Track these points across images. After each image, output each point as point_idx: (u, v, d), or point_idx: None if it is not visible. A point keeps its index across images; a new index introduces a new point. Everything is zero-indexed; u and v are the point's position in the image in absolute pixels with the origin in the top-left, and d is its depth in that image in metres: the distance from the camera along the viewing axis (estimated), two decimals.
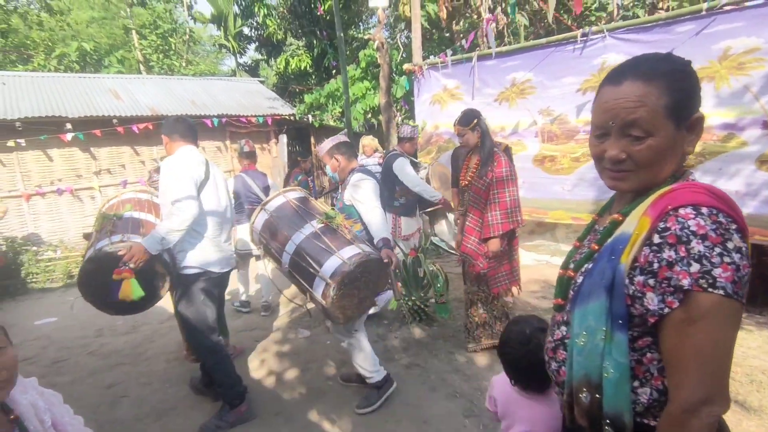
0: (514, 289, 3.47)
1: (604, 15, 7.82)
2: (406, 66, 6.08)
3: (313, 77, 13.13)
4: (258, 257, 4.55)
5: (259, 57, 16.54)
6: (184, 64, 18.23)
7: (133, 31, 17.23)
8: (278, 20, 13.05)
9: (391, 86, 7.99)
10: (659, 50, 1.02)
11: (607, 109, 0.95)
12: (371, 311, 3.99)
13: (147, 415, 3.00)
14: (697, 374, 0.81)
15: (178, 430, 2.83)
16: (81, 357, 4.01)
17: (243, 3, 14.11)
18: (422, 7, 8.19)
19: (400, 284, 2.70)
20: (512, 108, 5.05)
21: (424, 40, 6.64)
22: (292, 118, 10.17)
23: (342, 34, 6.22)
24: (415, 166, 4.53)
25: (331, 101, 9.94)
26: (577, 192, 4.68)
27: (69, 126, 7.51)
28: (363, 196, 2.75)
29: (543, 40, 4.70)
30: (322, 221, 2.61)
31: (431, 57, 6.10)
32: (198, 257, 2.72)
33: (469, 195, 3.22)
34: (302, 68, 12.55)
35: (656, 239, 0.86)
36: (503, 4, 6.49)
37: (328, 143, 2.93)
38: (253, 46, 15.92)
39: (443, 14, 7.49)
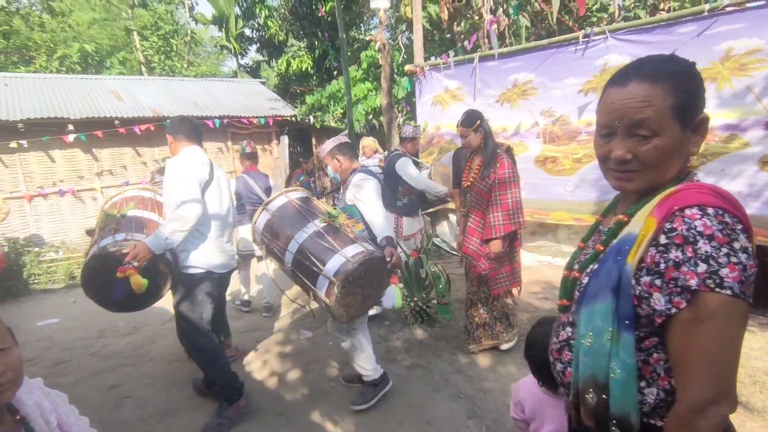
0: (515, 290, 3.46)
1: (605, 16, 7.83)
2: (407, 67, 6.08)
3: (314, 78, 13.15)
4: (260, 258, 4.56)
5: (261, 58, 16.57)
6: (185, 66, 18.26)
7: (135, 33, 17.26)
8: (279, 21, 13.07)
9: (393, 87, 7.99)
10: (661, 51, 1.03)
11: (614, 109, 0.95)
12: (372, 312, 4.00)
13: (150, 416, 3.00)
14: (705, 374, 0.81)
15: (181, 431, 2.83)
16: (83, 358, 4.02)
17: (244, 4, 14.14)
18: (424, 8, 8.20)
19: (397, 279, 2.70)
20: (514, 109, 5.05)
21: (425, 41, 6.65)
22: (293, 119, 10.18)
23: (344, 36, 6.23)
24: (417, 166, 4.54)
25: (332, 102, 9.95)
26: (578, 193, 4.68)
27: (71, 127, 7.54)
28: (365, 195, 2.76)
29: (545, 41, 4.71)
30: (324, 220, 2.62)
31: (433, 58, 6.10)
32: (200, 257, 2.74)
33: (471, 196, 3.22)
34: (303, 69, 12.57)
35: (663, 240, 0.86)
36: (505, 6, 6.50)
37: (329, 144, 2.94)
38: (254, 47, 15.94)
39: (444, 15, 7.51)
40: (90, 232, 3.08)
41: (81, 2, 19.95)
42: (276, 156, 10.09)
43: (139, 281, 2.44)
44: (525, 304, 4.31)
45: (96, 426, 1.47)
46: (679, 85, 0.90)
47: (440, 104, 5.76)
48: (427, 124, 5.97)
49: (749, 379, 2.82)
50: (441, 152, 5.85)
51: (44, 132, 7.33)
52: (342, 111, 9.96)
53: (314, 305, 2.78)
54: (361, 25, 13.28)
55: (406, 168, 4.14)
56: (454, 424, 2.66)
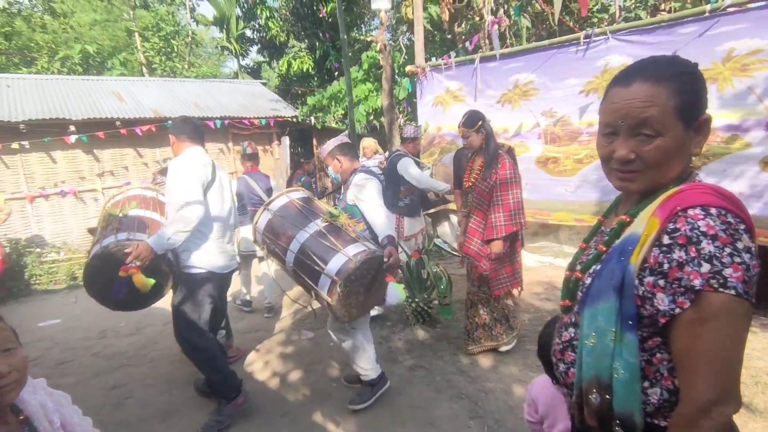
0: (516, 291, 3.46)
1: (606, 17, 7.83)
2: (408, 68, 6.09)
3: (315, 79, 13.16)
4: (261, 259, 4.56)
5: (261, 59, 16.59)
6: (186, 67, 18.29)
7: (136, 34, 17.30)
8: (280, 22, 13.08)
9: (394, 88, 8.01)
10: (662, 52, 1.03)
11: (618, 108, 0.95)
12: (374, 313, 4.00)
13: (152, 416, 3.00)
14: (709, 374, 0.81)
15: None
16: (85, 358, 4.02)
17: (245, 5, 14.15)
18: (425, 9, 8.21)
19: (393, 277, 2.70)
20: (515, 110, 5.05)
21: (426, 42, 6.65)
22: (294, 120, 10.19)
23: (346, 36, 6.24)
24: (419, 166, 4.54)
25: (333, 103, 9.96)
26: (580, 193, 4.68)
27: (72, 128, 7.56)
28: (367, 195, 2.77)
29: (546, 42, 4.71)
30: (326, 220, 2.62)
31: (434, 59, 6.11)
32: (201, 257, 2.75)
33: (473, 196, 3.22)
34: (304, 70, 12.58)
35: (666, 240, 0.86)
36: (506, 6, 6.50)
37: (330, 144, 2.95)
38: (255, 48, 15.96)
39: (445, 16, 7.51)
40: (92, 231, 3.10)
41: (82, 3, 20.02)
42: (277, 157, 10.10)
43: (142, 280, 2.47)
44: (527, 305, 4.31)
45: (98, 426, 1.47)
46: (682, 86, 0.91)
47: (441, 105, 5.77)
48: (428, 124, 5.97)
49: (751, 380, 2.82)
50: (442, 153, 5.85)
51: (46, 133, 7.35)
52: (343, 112, 9.97)
53: (316, 305, 2.78)
54: (362, 26, 13.30)
55: (407, 168, 4.14)
56: (455, 425, 2.66)
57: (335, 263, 2.39)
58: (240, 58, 16.21)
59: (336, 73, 12.22)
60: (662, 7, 6.26)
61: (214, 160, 2.94)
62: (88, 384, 3.53)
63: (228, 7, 14.74)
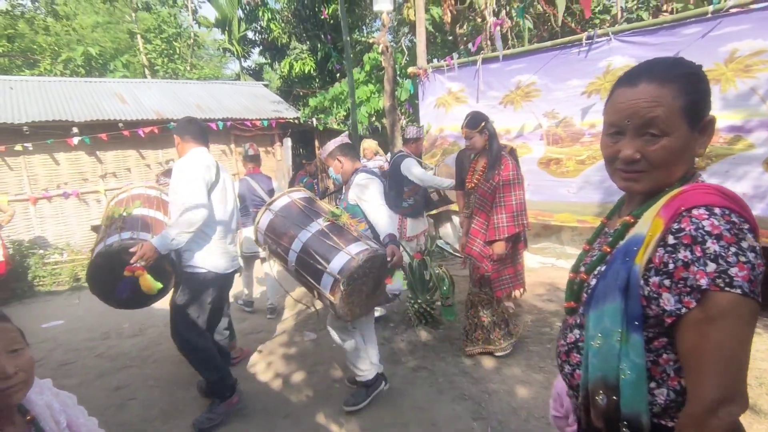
0: (518, 292, 3.46)
1: (608, 18, 7.84)
2: (410, 69, 6.10)
3: (317, 81, 13.18)
4: (263, 260, 4.57)
5: (263, 61, 16.62)
6: (188, 68, 18.34)
7: (138, 36, 17.35)
8: (282, 24, 13.12)
9: (396, 89, 8.02)
10: (665, 53, 1.03)
11: (624, 108, 0.95)
12: (376, 314, 4.00)
13: (155, 417, 3.01)
14: (716, 374, 0.81)
15: None
16: (88, 359, 4.03)
17: (247, 7, 14.19)
18: (426, 10, 8.22)
19: (391, 281, 2.72)
20: (517, 111, 5.05)
21: (428, 44, 6.66)
22: (296, 121, 10.21)
23: (348, 38, 6.25)
24: (422, 166, 4.55)
25: (335, 105, 9.98)
26: (582, 195, 4.68)
27: (75, 130, 7.59)
28: (369, 195, 2.78)
29: (548, 43, 4.71)
30: (328, 219, 2.63)
31: (435, 60, 6.11)
32: (204, 257, 2.77)
33: (475, 197, 3.23)
34: (306, 72, 12.61)
35: (671, 240, 0.86)
36: (507, 8, 6.51)
37: (330, 145, 2.96)
38: (257, 50, 16.01)
39: (447, 18, 7.52)
40: (96, 229, 3.11)
41: (85, 6, 20.09)
42: (279, 158, 10.12)
43: (149, 284, 2.48)
44: (529, 306, 4.31)
45: (101, 427, 1.48)
46: (688, 87, 0.91)
47: (443, 106, 5.77)
48: (430, 126, 5.98)
49: (756, 381, 2.81)
50: (444, 154, 5.86)
51: (49, 135, 7.37)
52: (345, 113, 9.99)
53: (319, 305, 2.78)
54: (364, 27, 13.32)
55: (411, 168, 4.15)
56: (458, 426, 2.66)
57: (338, 262, 2.40)
58: (242, 59, 16.25)
59: (337, 75, 12.24)
60: (664, 8, 6.26)
61: (216, 161, 2.95)
62: (91, 385, 3.53)
63: (230, 9, 14.78)
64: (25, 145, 7.21)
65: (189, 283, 2.78)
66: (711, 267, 0.80)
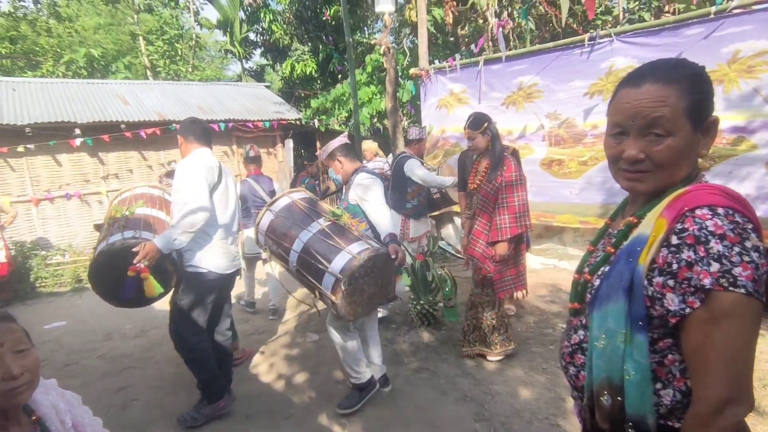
0: (520, 294, 3.45)
1: (610, 19, 7.83)
2: (412, 70, 6.11)
3: (319, 82, 13.19)
4: (265, 261, 4.57)
5: (265, 62, 16.65)
6: (190, 70, 18.37)
7: (140, 37, 17.38)
8: (284, 25, 13.13)
9: (398, 90, 8.03)
10: (667, 54, 1.04)
11: (628, 108, 0.95)
12: (379, 315, 4.00)
13: (158, 418, 3.01)
14: (721, 374, 0.81)
15: None
16: (90, 360, 4.03)
17: (249, 9, 14.22)
18: (428, 12, 8.23)
19: (400, 278, 2.72)
20: (519, 112, 5.06)
21: (429, 45, 6.67)
22: (298, 122, 10.22)
23: (350, 39, 6.25)
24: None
25: (337, 106, 9.98)
26: (584, 195, 4.68)
27: (77, 131, 7.60)
28: (371, 195, 2.78)
29: (550, 44, 4.72)
30: (329, 219, 2.63)
31: (437, 61, 6.12)
32: (205, 258, 2.78)
33: (478, 198, 3.23)
34: (307, 73, 12.61)
35: (674, 240, 0.86)
36: (509, 9, 6.51)
37: (330, 146, 2.97)
38: (258, 51, 16.02)
39: (449, 19, 7.53)
40: (98, 227, 3.12)
41: (87, 7, 20.12)
42: (281, 159, 10.13)
43: (152, 287, 2.51)
44: (532, 307, 4.30)
45: (105, 428, 1.48)
46: (692, 87, 0.91)
47: (445, 107, 5.78)
48: (432, 127, 5.98)
49: (759, 383, 2.81)
50: (446, 155, 5.86)
51: (51, 136, 7.39)
52: (346, 114, 9.99)
53: (321, 306, 2.78)
54: (366, 28, 13.32)
55: (414, 169, 4.16)
56: (461, 427, 2.66)
57: (339, 261, 2.40)
58: (243, 61, 16.28)
59: (339, 76, 12.25)
60: (666, 8, 6.25)
61: (219, 162, 2.96)
62: (94, 386, 3.54)
63: (231, 11, 14.81)
64: (28, 146, 7.22)
65: (190, 283, 2.80)
66: (714, 267, 0.80)
